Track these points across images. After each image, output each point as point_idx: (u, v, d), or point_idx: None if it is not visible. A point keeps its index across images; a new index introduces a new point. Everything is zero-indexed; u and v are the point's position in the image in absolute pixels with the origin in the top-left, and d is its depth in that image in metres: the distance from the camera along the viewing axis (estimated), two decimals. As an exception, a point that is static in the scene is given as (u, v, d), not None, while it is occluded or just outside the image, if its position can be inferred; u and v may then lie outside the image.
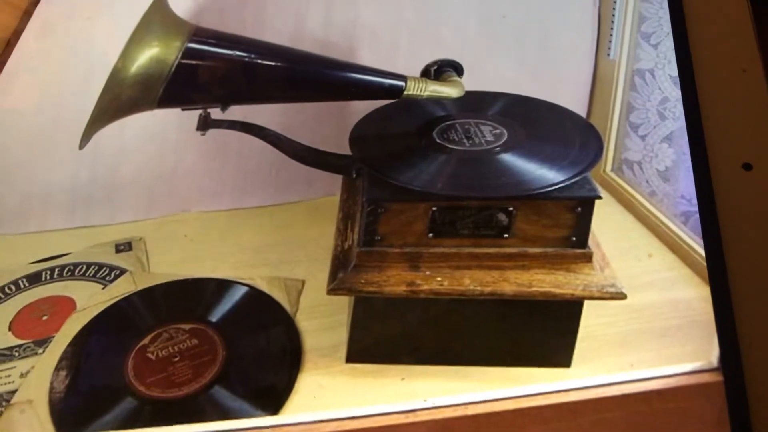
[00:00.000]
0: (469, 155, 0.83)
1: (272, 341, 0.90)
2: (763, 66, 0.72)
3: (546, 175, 0.78)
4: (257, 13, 1.10)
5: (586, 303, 0.81)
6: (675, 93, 1.07)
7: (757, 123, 0.70)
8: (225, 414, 0.79)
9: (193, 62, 0.77)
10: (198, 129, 0.86)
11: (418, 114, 0.93)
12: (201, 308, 0.94)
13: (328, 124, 1.15)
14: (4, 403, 0.80)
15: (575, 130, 0.88)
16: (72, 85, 1.06)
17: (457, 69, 0.89)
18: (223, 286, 0.99)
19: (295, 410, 0.79)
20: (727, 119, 0.70)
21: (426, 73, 0.88)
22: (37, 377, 0.84)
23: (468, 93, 0.85)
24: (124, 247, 1.08)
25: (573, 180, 0.77)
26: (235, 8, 1.10)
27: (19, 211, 1.12)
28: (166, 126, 1.12)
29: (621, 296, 0.78)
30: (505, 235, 0.79)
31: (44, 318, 0.94)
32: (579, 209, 0.77)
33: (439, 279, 0.79)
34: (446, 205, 0.78)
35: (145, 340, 0.89)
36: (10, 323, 0.93)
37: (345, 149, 0.88)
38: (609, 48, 1.16)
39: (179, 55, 0.76)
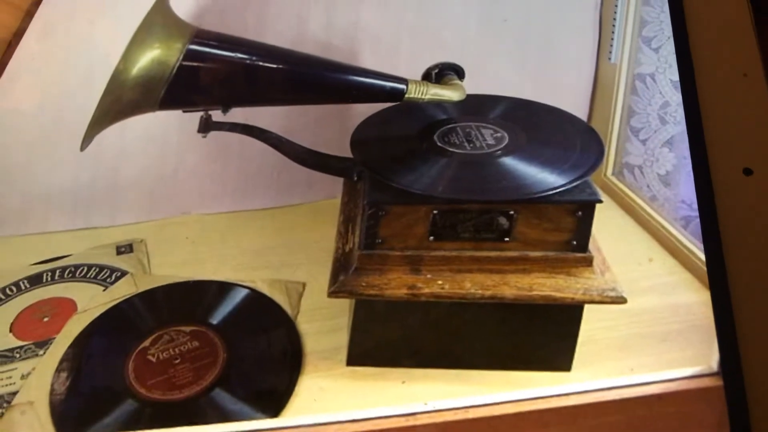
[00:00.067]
0: (470, 158, 0.83)
1: (273, 344, 0.90)
2: (764, 71, 0.71)
3: (547, 178, 0.78)
4: (259, 15, 1.10)
5: (587, 307, 0.80)
6: (676, 97, 1.07)
7: (757, 128, 0.70)
8: (225, 416, 0.79)
9: (195, 64, 0.78)
10: (199, 131, 0.86)
11: (419, 117, 0.93)
12: (202, 310, 0.94)
13: (330, 126, 1.15)
14: (4, 405, 0.80)
15: (576, 134, 0.88)
16: (73, 86, 1.06)
17: (459, 72, 0.89)
18: (224, 288, 0.99)
19: (295, 413, 0.79)
20: (728, 124, 0.70)
21: (427, 77, 0.88)
22: (38, 379, 0.84)
23: (469, 96, 0.85)
24: (125, 248, 1.08)
25: (574, 184, 0.77)
26: (237, 10, 1.10)
27: (20, 212, 1.12)
28: (168, 128, 1.12)
29: (621, 300, 0.78)
30: (506, 239, 0.79)
31: (45, 319, 0.94)
32: (580, 213, 0.77)
33: (440, 282, 0.79)
34: (447, 209, 0.78)
35: (146, 342, 0.89)
36: (11, 324, 0.93)
37: (346, 152, 0.88)
38: (610, 52, 1.16)
39: (180, 57, 0.76)
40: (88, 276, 1.02)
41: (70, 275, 1.03)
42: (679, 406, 0.74)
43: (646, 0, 1.10)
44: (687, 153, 0.72)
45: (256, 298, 0.97)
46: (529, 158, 0.82)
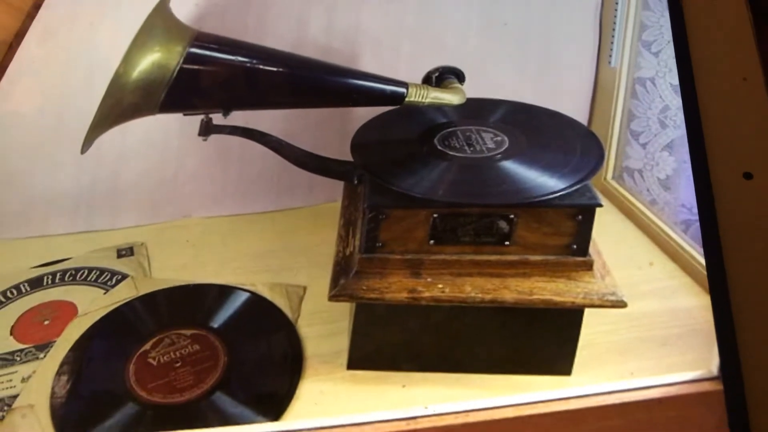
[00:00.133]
0: (470, 162, 0.83)
1: (273, 347, 0.90)
2: (763, 75, 0.72)
3: (547, 182, 0.78)
4: (259, 18, 1.11)
5: (587, 311, 0.81)
6: (676, 101, 1.07)
7: (757, 132, 0.70)
8: (226, 420, 0.79)
9: (195, 67, 0.78)
10: (200, 134, 0.86)
11: (419, 121, 0.93)
12: (202, 314, 0.95)
13: (330, 130, 1.15)
14: (5, 408, 0.80)
15: (576, 138, 0.88)
16: (74, 89, 1.06)
17: (459, 76, 0.89)
18: (224, 291, 0.99)
19: (296, 417, 0.79)
20: (728, 128, 0.70)
21: (427, 80, 0.88)
22: (39, 382, 0.84)
23: (469, 100, 0.86)
24: (125, 252, 1.08)
25: (574, 188, 0.77)
26: (237, 13, 1.10)
27: (21, 214, 1.13)
28: (168, 131, 1.12)
29: (621, 304, 0.78)
30: (506, 243, 0.79)
31: (46, 323, 0.94)
32: (580, 217, 0.77)
33: (440, 286, 0.79)
34: (447, 212, 0.78)
35: (147, 346, 0.89)
36: (12, 328, 0.93)
37: (346, 155, 0.88)
38: (610, 56, 1.16)
39: (181, 60, 0.76)
40: (88, 279, 1.02)
41: (71, 278, 1.03)
42: (679, 410, 0.74)
43: (646, 4, 1.10)
44: (687, 157, 0.72)
45: (256, 302, 0.97)
46: (529, 162, 0.82)
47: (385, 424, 0.73)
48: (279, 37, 1.11)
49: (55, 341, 0.90)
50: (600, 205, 0.77)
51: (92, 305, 0.96)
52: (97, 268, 1.04)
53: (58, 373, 0.85)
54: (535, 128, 0.91)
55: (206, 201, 1.18)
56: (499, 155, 0.84)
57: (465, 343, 0.84)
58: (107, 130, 0.78)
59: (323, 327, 0.92)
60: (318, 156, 0.89)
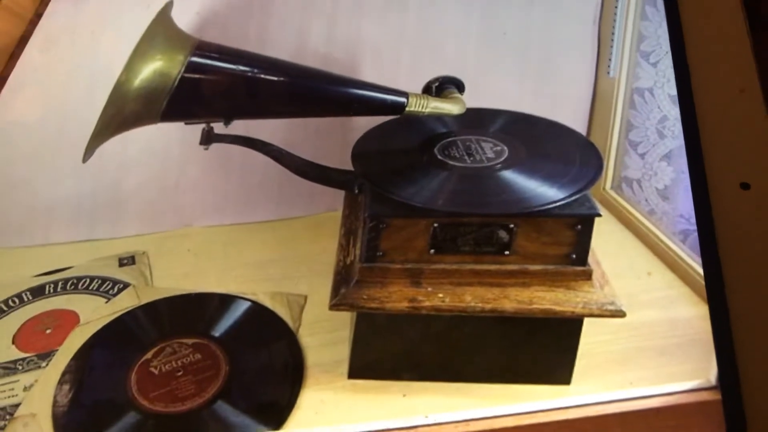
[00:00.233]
0: (470, 172, 0.84)
1: (275, 356, 0.90)
2: (760, 86, 0.72)
3: (546, 192, 0.79)
4: (260, 27, 1.11)
5: (586, 320, 0.81)
6: (674, 112, 1.07)
7: (754, 143, 0.70)
8: (227, 429, 0.79)
9: (196, 76, 0.78)
10: (201, 143, 0.86)
11: (419, 130, 0.94)
12: (204, 323, 0.95)
13: (331, 139, 1.15)
14: (7, 417, 0.80)
15: (575, 148, 0.89)
16: (76, 98, 1.06)
17: (459, 86, 0.89)
18: (226, 300, 0.99)
19: (297, 426, 0.79)
20: (726, 139, 0.71)
21: (427, 90, 0.89)
22: (41, 391, 0.84)
23: (469, 110, 0.86)
24: (127, 260, 1.09)
25: (573, 198, 0.77)
26: (239, 23, 1.11)
27: (23, 224, 1.13)
28: (170, 140, 1.12)
29: (620, 314, 0.78)
30: (506, 252, 0.80)
31: (47, 331, 0.94)
32: (579, 227, 0.78)
33: (440, 295, 0.79)
34: (447, 222, 0.78)
35: (149, 355, 0.89)
36: (14, 336, 0.93)
37: (347, 165, 0.88)
38: (609, 66, 1.17)
39: (182, 69, 0.77)
40: (90, 288, 1.02)
41: (73, 287, 1.03)
42: (678, 419, 0.74)
43: (644, 15, 1.11)
44: (685, 167, 0.72)
45: (257, 311, 0.97)
46: (529, 172, 0.83)
47: (386, 432, 0.74)
48: (280, 47, 1.12)
49: (57, 350, 0.90)
50: (599, 215, 0.77)
51: (94, 314, 0.97)
52: (98, 277, 1.04)
53: (60, 382, 0.85)
54: (534, 138, 0.91)
55: (207, 210, 1.19)
56: (499, 165, 0.84)
57: (465, 352, 0.84)
58: (109, 139, 0.79)
59: (324, 336, 0.92)
60: (319, 165, 0.90)
